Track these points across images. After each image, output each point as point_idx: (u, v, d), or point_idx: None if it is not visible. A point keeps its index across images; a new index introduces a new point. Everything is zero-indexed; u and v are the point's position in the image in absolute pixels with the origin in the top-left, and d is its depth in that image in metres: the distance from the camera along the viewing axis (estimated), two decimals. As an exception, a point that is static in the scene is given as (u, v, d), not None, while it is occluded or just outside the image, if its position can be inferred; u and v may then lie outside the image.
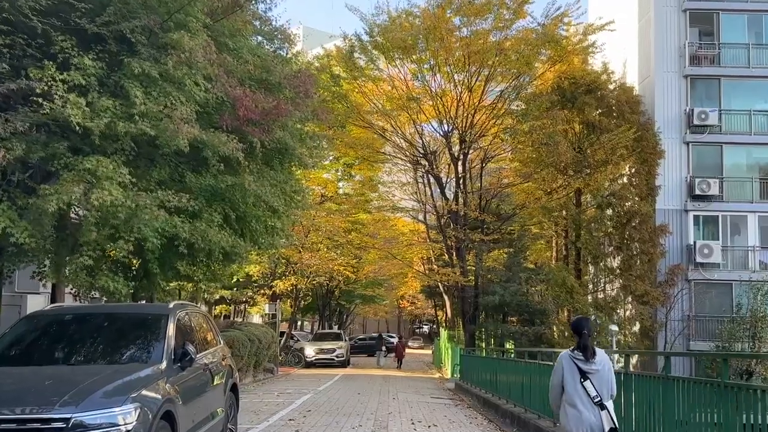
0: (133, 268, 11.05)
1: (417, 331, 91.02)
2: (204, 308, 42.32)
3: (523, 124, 27.61)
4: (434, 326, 78.47)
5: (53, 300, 13.76)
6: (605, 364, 5.48)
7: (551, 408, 5.80)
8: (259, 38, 12.21)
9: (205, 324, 8.42)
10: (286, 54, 12.72)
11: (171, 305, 7.22)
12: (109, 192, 7.76)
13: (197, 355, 7.18)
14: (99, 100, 8.17)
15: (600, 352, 5.54)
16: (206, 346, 7.90)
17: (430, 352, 56.68)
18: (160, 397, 5.86)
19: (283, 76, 10.85)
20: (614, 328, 24.20)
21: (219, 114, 9.78)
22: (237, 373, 8.98)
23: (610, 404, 5.41)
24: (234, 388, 8.60)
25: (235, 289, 36.04)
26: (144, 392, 5.71)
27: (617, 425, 5.44)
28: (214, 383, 7.61)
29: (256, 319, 48.39)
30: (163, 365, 6.28)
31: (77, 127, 7.82)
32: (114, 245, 8.66)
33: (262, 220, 11.14)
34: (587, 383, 5.36)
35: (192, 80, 8.69)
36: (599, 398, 5.33)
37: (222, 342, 8.88)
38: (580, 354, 5.44)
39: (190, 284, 14.33)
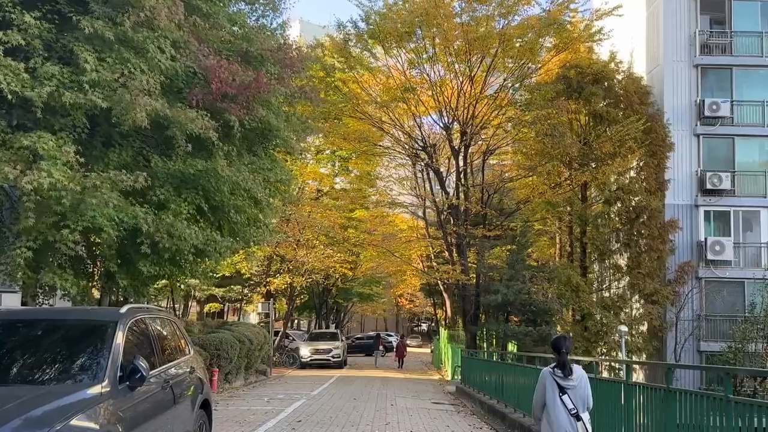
0: (89, 263, 9.72)
1: (415, 329, 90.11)
2: (196, 306, 41.22)
3: (526, 115, 26.40)
4: (433, 324, 77.43)
5: (23, 301, 12.57)
6: (582, 380, 6.15)
7: (533, 417, 6.46)
8: (241, 5, 10.88)
9: (172, 331, 7.20)
10: (271, 24, 11.38)
11: (123, 309, 6.00)
12: (49, 173, 6.49)
13: (155, 370, 6.00)
14: (43, 66, 6.92)
15: (577, 369, 6.18)
16: (170, 357, 6.70)
17: (428, 350, 55.53)
18: (96, 427, 4.67)
19: (265, 48, 9.52)
20: (624, 328, 23.01)
21: (190, 88, 8.46)
22: (209, 386, 7.77)
23: (585, 416, 6.07)
24: (206, 405, 7.40)
25: (230, 286, 34.87)
26: (75, 422, 4.51)
27: None
28: (178, 402, 6.40)
29: (253, 317, 47.21)
30: (106, 385, 5.08)
31: (10, 96, 6.55)
32: (57, 234, 7.32)
33: (241, 211, 9.84)
34: (565, 397, 6.03)
35: (155, 45, 7.42)
36: (575, 410, 6.00)
37: (192, 351, 7.67)
38: (560, 371, 6.09)
39: (159, 283, 12.99)
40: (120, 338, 5.53)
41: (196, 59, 8.19)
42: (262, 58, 9.55)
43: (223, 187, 8.97)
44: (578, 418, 5.97)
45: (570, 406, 5.98)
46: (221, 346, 19.23)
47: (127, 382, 5.29)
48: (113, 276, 8.99)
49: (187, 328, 20.15)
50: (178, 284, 14.86)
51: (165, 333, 6.90)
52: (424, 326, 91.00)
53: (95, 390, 4.98)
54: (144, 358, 5.81)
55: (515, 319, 27.74)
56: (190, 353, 7.48)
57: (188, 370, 7.05)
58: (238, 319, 44.81)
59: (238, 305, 42.68)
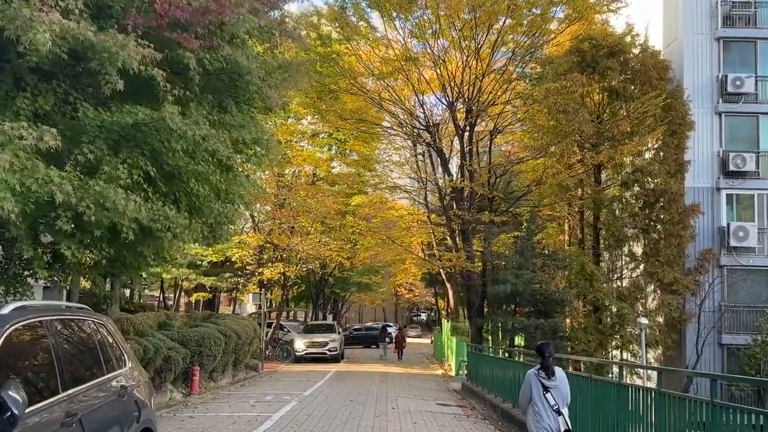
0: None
1: (414, 319, 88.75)
2: (185, 297, 39.16)
3: (536, 89, 24.40)
4: (432, 314, 75.90)
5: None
6: (562, 380, 6.96)
7: (521, 410, 7.27)
8: None
9: (97, 338, 5.30)
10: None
11: (5, 310, 4.09)
12: None
13: (52, 398, 4.10)
14: None
15: (558, 371, 6.99)
16: (88, 376, 4.81)
17: (428, 341, 53.92)
18: None
19: (236, -31, 7.50)
20: (644, 320, 21.13)
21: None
22: (152, 408, 5.89)
23: (565, 411, 6.87)
24: (147, 435, 5.52)
25: (220, 275, 33.03)
26: None
27: (571, 428, 6.86)
28: (95, 439, 4.51)
29: (249, 307, 45.39)
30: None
31: None
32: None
33: (204, 180, 7.85)
34: (548, 395, 6.81)
35: (73, -55, 5.47)
36: (557, 406, 6.80)
37: (130, 363, 5.77)
38: (543, 373, 6.88)
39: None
40: (-14, 356, 3.64)
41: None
42: (230, -16, 7.52)
43: (176, 145, 6.84)
44: (559, 413, 6.75)
45: (552, 402, 6.77)
46: (203, 341, 17.39)
47: (-12, 425, 3.40)
48: (29, 262, 7.03)
49: (167, 322, 18.29)
50: (125, 273, 12.45)
51: (82, 342, 5.00)
52: (424, 316, 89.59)
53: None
54: (35, 383, 3.96)
55: (520, 310, 25.93)
56: (125, 366, 5.58)
57: (118, 389, 5.16)
58: (234, 310, 43.05)
59: (233, 294, 40.86)
